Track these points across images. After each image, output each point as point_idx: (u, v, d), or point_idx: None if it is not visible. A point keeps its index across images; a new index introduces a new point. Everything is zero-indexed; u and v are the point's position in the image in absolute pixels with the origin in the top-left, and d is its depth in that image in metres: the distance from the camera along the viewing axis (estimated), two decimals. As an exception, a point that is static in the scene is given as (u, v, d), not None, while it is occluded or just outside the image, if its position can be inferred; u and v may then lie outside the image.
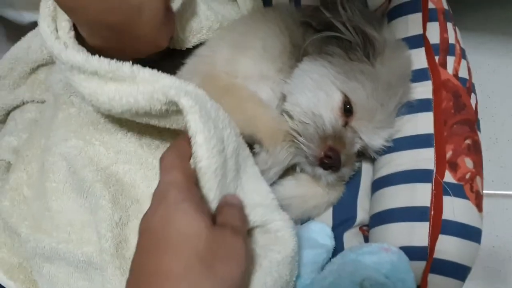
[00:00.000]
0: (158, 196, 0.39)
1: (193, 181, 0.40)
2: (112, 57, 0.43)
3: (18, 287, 0.52)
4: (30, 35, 0.62)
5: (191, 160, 0.41)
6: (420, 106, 0.58)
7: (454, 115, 0.57)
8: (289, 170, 0.59)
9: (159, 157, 0.41)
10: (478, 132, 0.57)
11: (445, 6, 0.62)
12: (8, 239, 0.53)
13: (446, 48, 0.59)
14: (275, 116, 0.57)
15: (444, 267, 0.52)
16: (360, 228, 0.62)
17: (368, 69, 0.55)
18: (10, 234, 0.53)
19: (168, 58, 0.55)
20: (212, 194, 0.41)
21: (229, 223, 0.39)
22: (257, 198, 0.47)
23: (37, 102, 0.64)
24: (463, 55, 0.60)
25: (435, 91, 0.58)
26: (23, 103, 0.64)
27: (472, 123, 0.57)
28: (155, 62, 0.55)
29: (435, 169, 0.55)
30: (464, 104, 0.57)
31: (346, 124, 0.56)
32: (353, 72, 0.55)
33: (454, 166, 0.54)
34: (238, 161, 0.46)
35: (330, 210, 0.61)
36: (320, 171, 0.55)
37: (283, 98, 0.58)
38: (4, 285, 0.52)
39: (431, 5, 0.61)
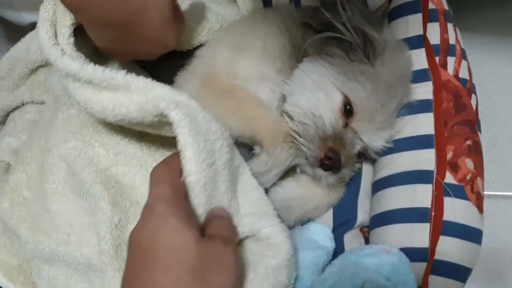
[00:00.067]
0: (147, 210, 0.39)
1: (182, 194, 0.40)
2: (121, 60, 0.43)
3: (17, 289, 0.52)
4: (29, 36, 0.62)
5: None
6: (421, 106, 0.58)
7: (454, 115, 0.57)
8: (290, 171, 0.59)
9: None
10: (479, 133, 0.57)
11: (446, 7, 0.62)
12: (8, 240, 0.53)
13: (446, 49, 0.59)
14: (275, 117, 0.56)
15: (445, 269, 0.52)
16: (361, 230, 0.61)
17: (368, 70, 0.55)
18: (10, 235, 0.53)
19: (168, 59, 0.55)
20: (201, 209, 0.41)
21: (218, 233, 0.40)
22: (247, 207, 0.47)
23: (37, 103, 0.64)
24: (463, 55, 0.60)
25: (435, 92, 0.58)
26: (23, 104, 0.64)
27: (473, 124, 0.57)
28: (156, 63, 0.55)
29: (435, 170, 0.55)
30: (465, 104, 0.57)
31: (346, 125, 0.56)
32: (353, 72, 0.55)
33: (454, 167, 0.54)
34: (232, 171, 0.46)
35: (331, 212, 0.61)
36: (320, 172, 0.55)
37: (283, 99, 0.58)
38: (4, 287, 0.52)
39: (431, 6, 0.61)
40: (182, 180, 0.40)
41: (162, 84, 0.45)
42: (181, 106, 0.41)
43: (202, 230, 0.40)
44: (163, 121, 0.42)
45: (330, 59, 0.56)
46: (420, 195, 0.54)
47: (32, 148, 0.55)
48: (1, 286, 0.52)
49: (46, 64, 0.63)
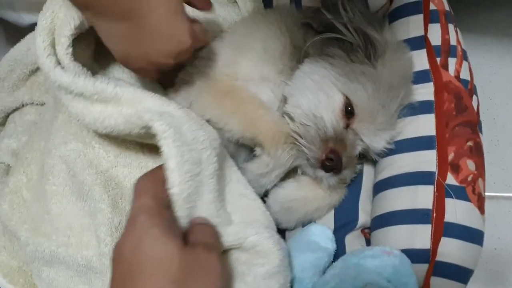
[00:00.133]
0: (129, 221, 0.39)
1: (164, 204, 0.40)
2: (137, 68, 0.44)
3: (17, 291, 0.52)
4: (29, 37, 0.62)
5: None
6: (422, 107, 0.58)
7: (455, 117, 0.56)
8: (291, 173, 0.59)
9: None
10: (480, 134, 0.57)
11: (447, 8, 0.62)
12: (8, 242, 0.53)
13: (447, 50, 0.59)
14: (276, 118, 0.56)
15: (447, 270, 0.51)
16: (362, 231, 0.61)
17: (369, 71, 0.55)
18: (10, 237, 0.53)
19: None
20: (183, 221, 0.41)
21: (201, 240, 0.40)
22: (236, 216, 0.47)
23: (37, 104, 0.64)
24: (464, 56, 0.60)
25: (436, 93, 0.58)
26: (23, 105, 0.64)
27: (474, 125, 0.57)
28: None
29: (437, 171, 0.54)
30: (466, 105, 0.57)
31: (347, 126, 0.56)
32: (354, 73, 0.55)
33: (456, 168, 0.54)
34: (220, 180, 0.46)
35: (332, 213, 0.60)
36: (321, 173, 0.55)
37: (284, 100, 0.58)
38: (4, 289, 0.52)
39: (432, 7, 0.61)
40: (167, 191, 0.40)
41: (152, 94, 0.45)
42: (165, 117, 0.42)
43: (185, 238, 0.39)
44: (150, 133, 0.42)
45: (331, 60, 0.56)
46: (421, 196, 0.54)
47: (32, 149, 0.55)
48: (1, 288, 0.52)
49: (46, 65, 0.62)
